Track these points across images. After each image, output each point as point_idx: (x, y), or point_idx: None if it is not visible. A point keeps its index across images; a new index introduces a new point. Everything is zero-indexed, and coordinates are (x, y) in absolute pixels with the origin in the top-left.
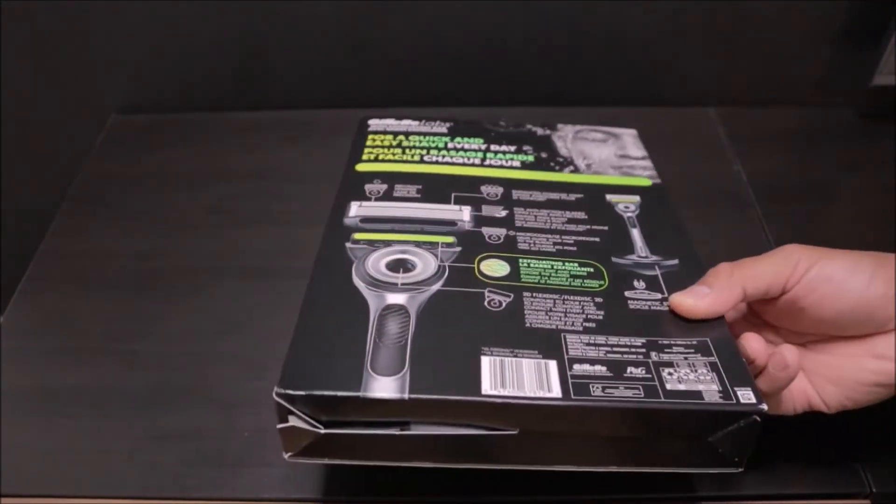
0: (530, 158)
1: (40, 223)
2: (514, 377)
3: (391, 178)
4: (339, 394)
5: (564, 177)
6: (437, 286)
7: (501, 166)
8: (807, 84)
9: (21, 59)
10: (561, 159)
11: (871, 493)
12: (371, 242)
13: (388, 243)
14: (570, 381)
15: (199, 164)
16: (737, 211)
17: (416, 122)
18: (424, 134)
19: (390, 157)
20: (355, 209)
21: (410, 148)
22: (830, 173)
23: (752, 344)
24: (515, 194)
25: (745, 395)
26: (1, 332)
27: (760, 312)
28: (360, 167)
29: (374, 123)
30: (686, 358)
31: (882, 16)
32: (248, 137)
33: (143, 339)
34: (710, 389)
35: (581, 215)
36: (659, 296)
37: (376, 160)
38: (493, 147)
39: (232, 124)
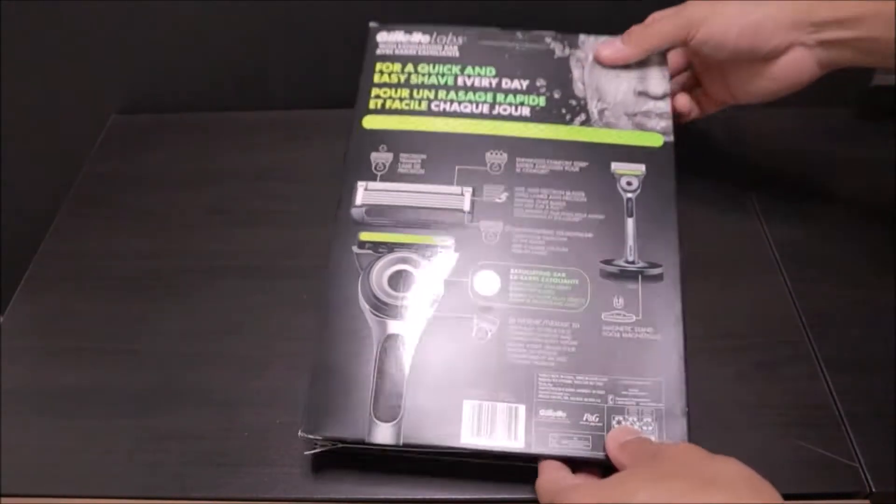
0: (541, 102)
1: (40, 223)
2: (489, 425)
3: (397, 143)
4: (349, 437)
5: (573, 132)
6: (432, 311)
7: (510, 116)
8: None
9: (21, 59)
10: (574, 102)
11: (870, 493)
12: (375, 247)
13: (390, 247)
14: (533, 429)
15: (199, 164)
16: (736, 211)
17: (427, 39)
18: (434, 61)
19: (397, 104)
20: (361, 194)
21: (419, 88)
22: (830, 173)
23: (680, 100)
24: (519, 165)
25: None
26: (1, 332)
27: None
28: (368, 122)
29: (383, 42)
30: (637, 404)
31: None
32: (248, 137)
33: (143, 339)
34: None
35: (580, 197)
36: (633, 318)
37: (383, 109)
38: (504, 83)
39: (232, 124)
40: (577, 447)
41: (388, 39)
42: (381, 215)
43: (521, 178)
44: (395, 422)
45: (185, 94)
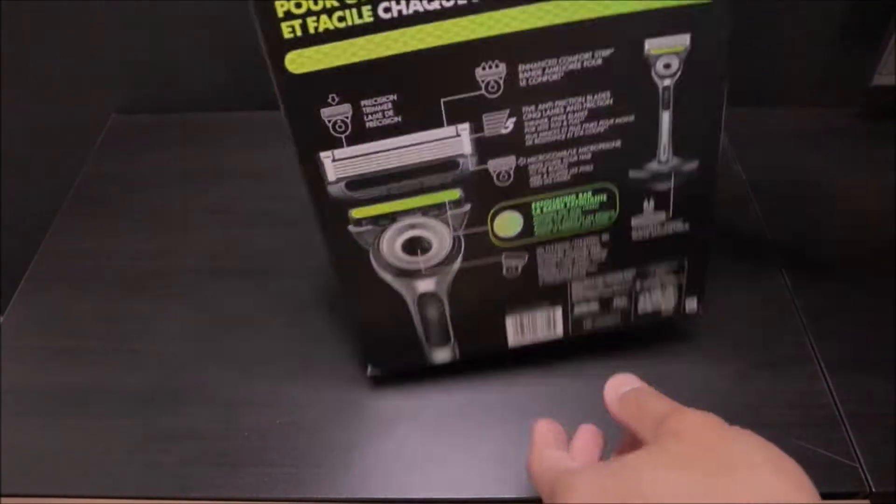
0: None
1: (40, 223)
2: (531, 327)
3: (350, 86)
4: (414, 366)
5: (590, 4)
6: (457, 264)
7: None
8: (807, 84)
9: (21, 59)
10: None
11: (870, 493)
12: (374, 220)
13: (392, 217)
14: (570, 320)
15: (199, 164)
16: (737, 211)
17: None
18: None
19: (326, 21)
20: (331, 169)
21: None
22: (830, 173)
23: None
24: (523, 74)
25: (690, 305)
26: (1, 332)
27: None
28: (293, 62)
29: None
30: (661, 282)
31: (882, 16)
32: (248, 137)
33: (144, 339)
34: (668, 307)
35: (605, 99)
36: (663, 217)
37: (308, 36)
38: None
39: (232, 124)
40: (609, 323)
41: None
42: (365, 186)
43: (529, 93)
44: (449, 345)
45: (185, 94)
